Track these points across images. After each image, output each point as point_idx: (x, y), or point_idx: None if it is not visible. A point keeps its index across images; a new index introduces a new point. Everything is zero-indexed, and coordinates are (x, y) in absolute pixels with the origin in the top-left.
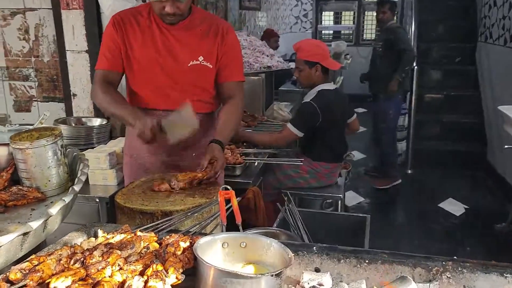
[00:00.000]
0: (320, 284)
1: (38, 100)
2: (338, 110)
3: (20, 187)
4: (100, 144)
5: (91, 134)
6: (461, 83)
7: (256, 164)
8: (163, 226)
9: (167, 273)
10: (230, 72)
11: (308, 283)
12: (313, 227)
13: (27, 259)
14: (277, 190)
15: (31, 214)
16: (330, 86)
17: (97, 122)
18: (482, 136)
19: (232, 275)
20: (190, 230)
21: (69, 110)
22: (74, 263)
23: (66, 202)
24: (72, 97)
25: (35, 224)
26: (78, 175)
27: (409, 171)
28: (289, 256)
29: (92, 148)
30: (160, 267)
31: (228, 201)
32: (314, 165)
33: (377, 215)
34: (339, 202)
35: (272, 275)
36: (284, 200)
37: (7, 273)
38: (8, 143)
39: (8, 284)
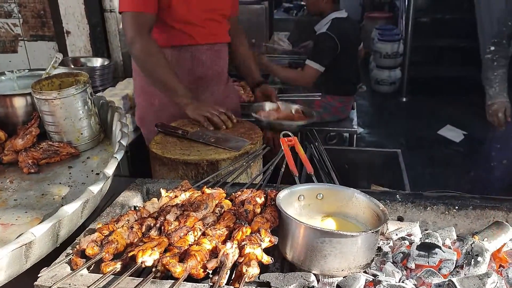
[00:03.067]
0: (409, 235)
1: (25, 39)
2: (353, 39)
3: (50, 143)
4: (105, 87)
5: (94, 77)
6: (457, 4)
7: None
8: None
9: (260, 235)
10: (234, 5)
11: (396, 234)
12: (336, 165)
13: (90, 228)
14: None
15: (70, 173)
16: (342, 14)
17: (98, 62)
18: (478, 61)
19: (331, 234)
20: (234, 180)
21: (62, 50)
22: (147, 229)
23: (119, 159)
24: (65, 35)
25: (95, 188)
26: (118, 127)
27: (404, 99)
28: (381, 208)
29: (97, 92)
30: (249, 230)
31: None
32: (328, 99)
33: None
34: (354, 136)
35: (372, 232)
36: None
37: (78, 247)
38: (26, 93)
39: (84, 260)
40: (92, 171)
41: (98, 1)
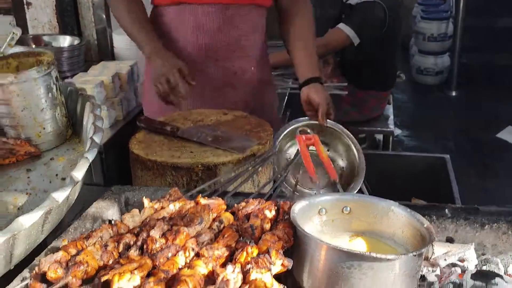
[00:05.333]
0: (462, 260)
1: None
2: (399, 13)
3: (4, 140)
4: (74, 72)
5: (61, 59)
6: None
7: (278, 90)
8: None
9: (270, 258)
10: None
11: (445, 259)
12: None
13: (53, 246)
14: None
15: (29, 178)
16: None
17: (66, 41)
18: None
19: (360, 256)
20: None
21: (22, 25)
22: (126, 248)
23: (90, 160)
24: (25, 6)
25: (60, 196)
26: (90, 120)
27: (454, 93)
28: (425, 226)
29: (64, 78)
30: (255, 251)
31: None
32: (360, 94)
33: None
34: (390, 139)
35: (414, 255)
36: None
37: (38, 269)
38: None
39: (44, 285)
40: (56, 175)
41: None
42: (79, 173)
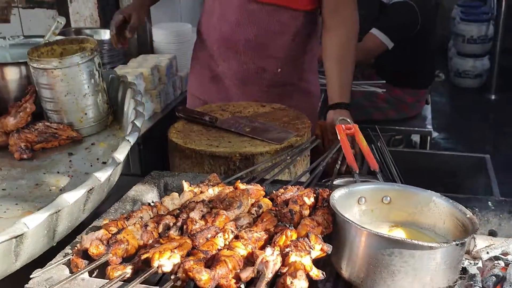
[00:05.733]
0: (505, 254)
1: (19, 6)
2: (434, 12)
3: (48, 124)
4: (114, 65)
5: (101, 52)
6: None
7: None
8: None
9: (309, 242)
10: None
11: (488, 252)
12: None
13: (94, 226)
14: None
15: (70, 161)
16: None
17: (106, 34)
18: None
19: (401, 244)
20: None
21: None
22: (165, 229)
23: (131, 144)
24: (68, 0)
25: (102, 175)
26: (131, 106)
27: (493, 96)
28: (468, 216)
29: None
30: (294, 234)
31: None
32: (396, 91)
33: None
34: (428, 139)
35: (457, 244)
36: None
37: (80, 245)
38: (21, 62)
39: (86, 261)
40: (97, 159)
41: None
42: (120, 155)
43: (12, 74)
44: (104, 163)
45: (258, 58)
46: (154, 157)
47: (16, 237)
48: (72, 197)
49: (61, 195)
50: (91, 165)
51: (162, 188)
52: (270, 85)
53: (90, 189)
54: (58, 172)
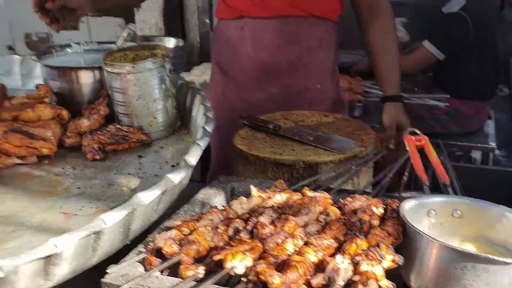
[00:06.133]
0: None
1: (89, 14)
2: (493, 26)
3: (119, 126)
4: (177, 72)
5: None
6: None
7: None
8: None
9: (380, 252)
10: None
11: None
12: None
13: (165, 226)
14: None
15: (140, 163)
16: None
17: (170, 42)
18: None
19: (475, 257)
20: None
21: None
22: (235, 232)
23: (203, 148)
24: (135, 9)
25: (175, 177)
26: (201, 111)
27: None
28: None
29: None
30: (365, 244)
31: None
32: (455, 103)
33: None
34: (490, 156)
35: None
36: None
37: (153, 244)
38: (95, 67)
39: (159, 259)
40: (166, 162)
41: None
42: (192, 158)
43: (86, 78)
44: (173, 166)
45: (300, 77)
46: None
47: (95, 233)
48: (147, 197)
49: (136, 194)
50: (160, 168)
51: (229, 193)
52: (311, 103)
53: (164, 191)
54: (128, 173)
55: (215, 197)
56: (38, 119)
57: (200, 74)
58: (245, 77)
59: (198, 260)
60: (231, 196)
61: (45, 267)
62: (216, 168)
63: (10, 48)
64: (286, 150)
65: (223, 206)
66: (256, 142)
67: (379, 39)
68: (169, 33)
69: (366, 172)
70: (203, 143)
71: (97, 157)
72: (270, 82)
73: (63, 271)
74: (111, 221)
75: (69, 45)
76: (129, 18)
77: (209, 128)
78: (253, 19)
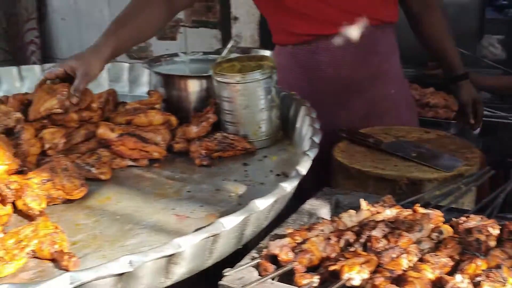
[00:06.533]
0: None
1: (186, 25)
2: None
3: (225, 134)
4: None
5: None
6: None
7: None
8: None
9: (502, 274)
10: None
11: None
12: None
13: (275, 233)
14: (500, 159)
15: (246, 171)
16: None
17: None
18: None
19: None
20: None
21: (226, 39)
22: (346, 244)
23: (312, 158)
24: (232, 21)
25: (289, 186)
26: (306, 123)
27: None
28: None
29: None
30: (484, 264)
31: None
32: None
33: None
34: None
35: None
36: None
37: (267, 251)
38: (203, 76)
39: (274, 265)
40: (271, 171)
41: None
42: (303, 168)
43: (195, 86)
44: (278, 175)
45: (380, 86)
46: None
47: (214, 236)
48: (262, 204)
49: (253, 200)
50: (266, 176)
51: (334, 205)
52: (388, 110)
53: (277, 199)
54: (235, 180)
55: (321, 208)
56: (149, 124)
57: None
58: (322, 96)
59: (309, 269)
60: (335, 208)
61: (166, 265)
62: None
63: None
64: (388, 165)
65: (330, 217)
66: (356, 155)
67: (438, 26)
68: (264, 45)
69: (469, 191)
70: (312, 154)
71: (205, 162)
72: (352, 98)
73: (181, 270)
74: (229, 224)
75: (176, 55)
76: (226, 30)
77: (317, 139)
78: (326, 40)
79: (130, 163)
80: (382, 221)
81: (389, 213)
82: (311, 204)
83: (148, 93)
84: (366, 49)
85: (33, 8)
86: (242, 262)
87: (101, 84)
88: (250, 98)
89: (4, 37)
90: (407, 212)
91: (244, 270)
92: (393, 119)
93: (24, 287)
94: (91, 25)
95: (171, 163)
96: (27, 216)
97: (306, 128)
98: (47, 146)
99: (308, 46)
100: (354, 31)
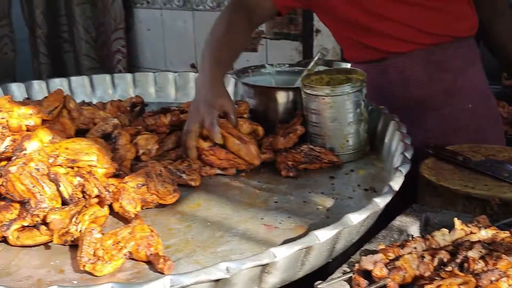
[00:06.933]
0: None
1: (268, 37)
2: None
3: (312, 147)
4: None
5: None
6: None
7: None
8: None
9: None
10: None
11: None
12: None
13: (366, 249)
14: None
15: (333, 184)
16: None
17: (347, 66)
18: None
19: None
20: None
21: (307, 51)
22: (440, 264)
23: (404, 173)
24: (314, 34)
25: (382, 202)
26: (396, 138)
27: None
28: None
29: None
30: None
31: None
32: None
33: None
34: None
35: None
36: None
37: (359, 265)
38: (290, 88)
39: (366, 281)
40: (358, 185)
41: None
42: (396, 184)
43: (282, 98)
44: (366, 190)
45: (457, 102)
46: None
47: (308, 248)
48: (356, 218)
49: (347, 215)
50: (353, 190)
51: (423, 222)
52: (464, 126)
53: (371, 214)
54: (322, 193)
55: (411, 225)
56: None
57: None
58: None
59: (401, 286)
60: (425, 226)
61: (260, 274)
62: None
63: (193, 66)
64: (478, 184)
65: (422, 235)
66: (444, 172)
67: (510, 34)
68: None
69: None
70: (404, 170)
71: (291, 174)
72: (426, 116)
73: (274, 280)
74: (324, 237)
75: (263, 66)
76: (307, 43)
77: (408, 155)
78: (395, 59)
79: (219, 171)
80: (478, 241)
81: (485, 234)
82: (400, 220)
83: (236, 103)
84: (438, 67)
85: (121, 19)
86: (334, 276)
87: (188, 94)
88: (339, 111)
89: (93, 45)
90: (504, 234)
91: (336, 284)
92: (471, 134)
93: (128, 287)
94: (174, 36)
95: (257, 173)
96: (123, 218)
97: (396, 143)
98: (141, 151)
99: (378, 64)
100: (424, 50)
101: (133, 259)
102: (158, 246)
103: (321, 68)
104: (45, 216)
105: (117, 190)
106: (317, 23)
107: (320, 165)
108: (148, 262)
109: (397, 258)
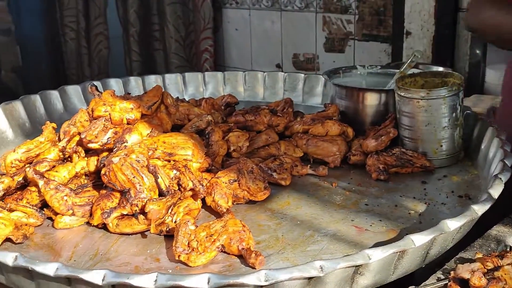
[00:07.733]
0: None
1: (356, 38)
2: None
3: (404, 150)
4: None
5: None
6: None
7: None
8: None
9: None
10: None
11: None
12: None
13: (460, 257)
14: None
15: (425, 189)
16: None
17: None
18: None
19: None
20: None
21: (396, 54)
22: None
23: (504, 181)
24: (404, 36)
25: (480, 210)
26: (495, 145)
27: None
28: None
29: None
30: None
31: None
32: None
33: None
34: None
35: None
36: None
37: (454, 273)
38: (382, 90)
39: None
40: (452, 192)
41: None
42: (495, 192)
43: (373, 100)
44: (460, 196)
45: None
46: None
47: (402, 251)
48: (453, 225)
49: (443, 221)
50: (447, 197)
51: None
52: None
53: (468, 221)
54: (414, 198)
55: (509, 236)
56: (326, 133)
57: (471, 106)
58: None
59: None
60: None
61: (353, 275)
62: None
63: (278, 66)
64: None
65: None
66: None
67: None
68: (436, 61)
69: None
70: (504, 177)
71: (382, 177)
72: None
73: (365, 282)
74: (419, 242)
75: (354, 67)
76: (396, 45)
77: (509, 162)
78: None
79: (310, 171)
80: None
81: None
82: (498, 230)
83: (325, 106)
84: None
85: (210, 18)
86: (428, 282)
87: (276, 93)
88: (433, 115)
89: (182, 44)
90: None
91: None
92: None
93: (224, 279)
94: (261, 36)
95: (346, 175)
96: (214, 212)
97: (494, 150)
98: (232, 148)
99: None
100: None
101: (224, 252)
102: (250, 241)
103: (415, 70)
104: (143, 206)
105: (210, 184)
106: (408, 25)
107: (411, 170)
108: (240, 256)
109: (496, 269)
